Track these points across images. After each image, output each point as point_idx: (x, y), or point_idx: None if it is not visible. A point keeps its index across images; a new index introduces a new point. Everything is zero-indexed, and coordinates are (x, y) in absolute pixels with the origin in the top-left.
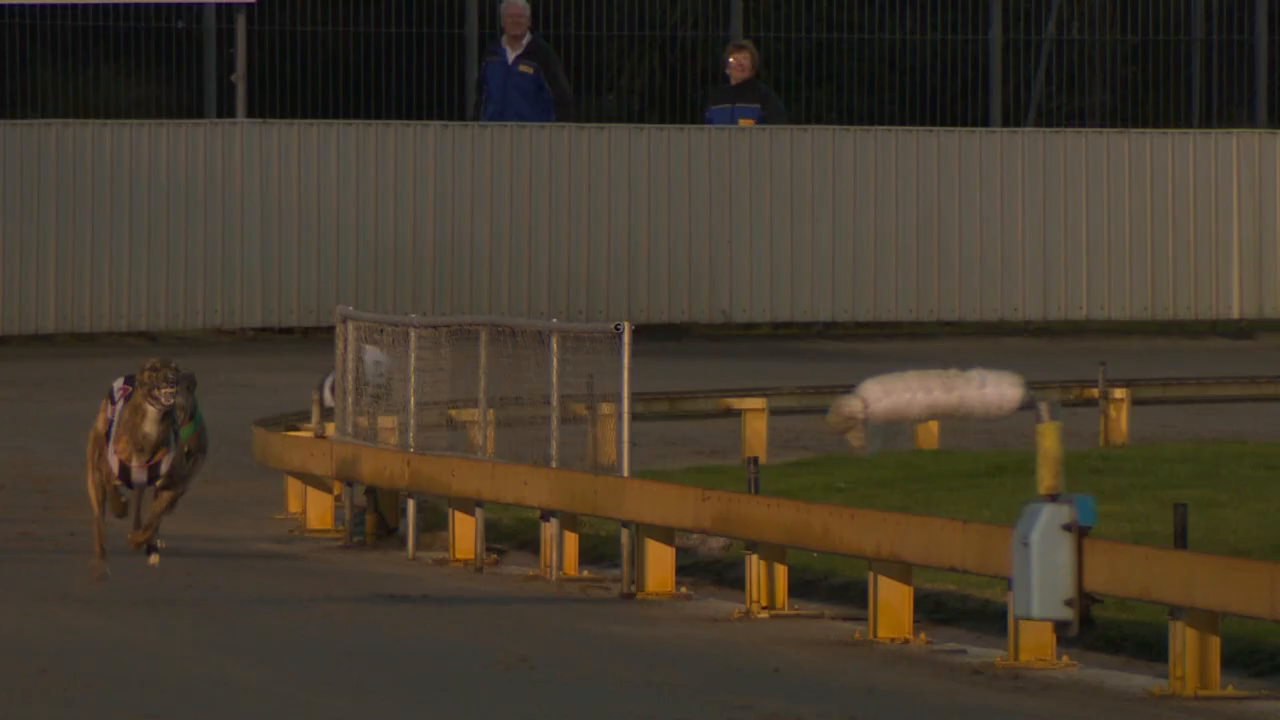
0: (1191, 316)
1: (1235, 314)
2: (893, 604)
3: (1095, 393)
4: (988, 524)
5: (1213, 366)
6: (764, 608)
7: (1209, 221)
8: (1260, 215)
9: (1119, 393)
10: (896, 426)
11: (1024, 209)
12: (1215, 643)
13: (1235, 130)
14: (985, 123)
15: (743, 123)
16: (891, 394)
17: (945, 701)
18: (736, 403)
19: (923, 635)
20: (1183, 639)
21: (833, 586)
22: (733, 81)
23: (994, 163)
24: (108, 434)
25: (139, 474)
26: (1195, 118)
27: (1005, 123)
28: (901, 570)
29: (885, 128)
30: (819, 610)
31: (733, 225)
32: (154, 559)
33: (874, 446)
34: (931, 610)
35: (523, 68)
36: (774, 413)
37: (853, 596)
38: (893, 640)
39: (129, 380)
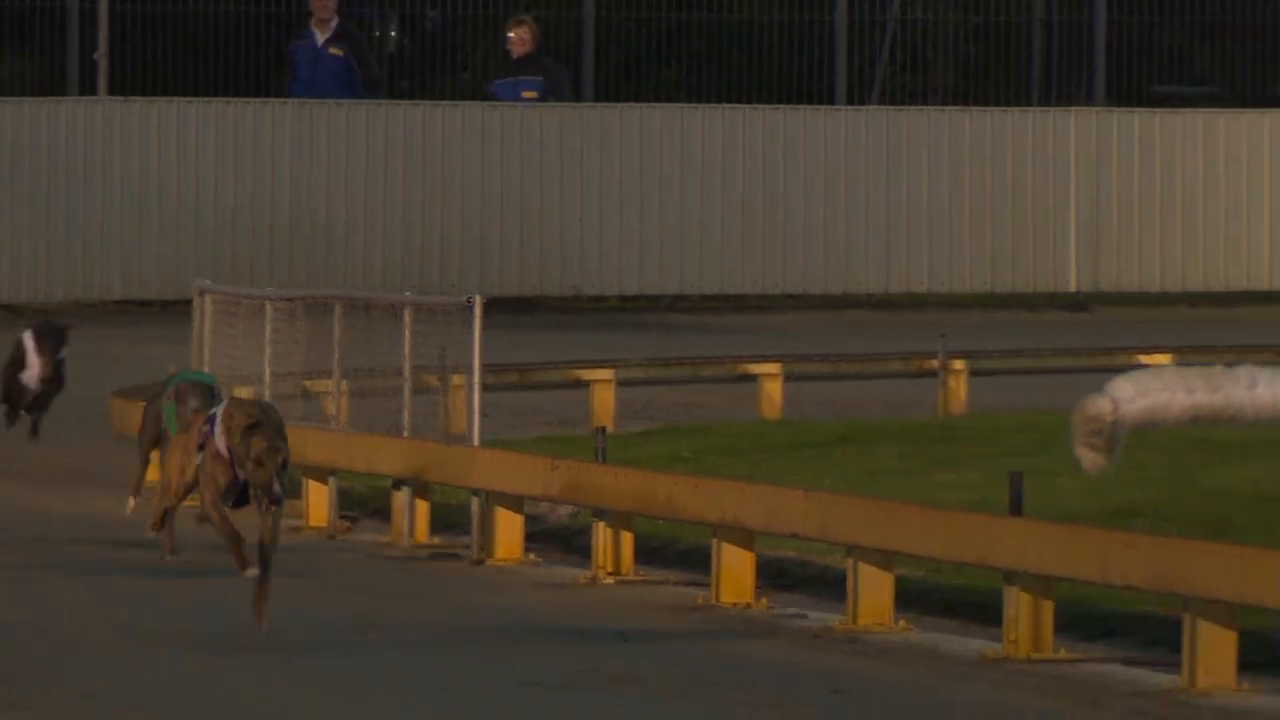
0: (1030, 290)
1: (1072, 287)
2: (735, 570)
3: (935, 364)
4: (829, 493)
5: (1050, 338)
6: (610, 574)
7: (1047, 197)
8: (1097, 191)
9: (958, 364)
10: (1150, 430)
11: (868, 185)
12: (1048, 607)
13: (1073, 109)
14: (831, 101)
15: (526, 95)
16: (1147, 394)
17: (784, 664)
18: (585, 374)
19: (764, 600)
20: (1017, 603)
21: (677, 553)
22: (514, 56)
23: (839, 140)
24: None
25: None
26: (1035, 96)
27: (850, 101)
28: (744, 537)
29: (733, 106)
30: (664, 576)
31: (583, 200)
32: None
33: (1114, 461)
34: (773, 576)
35: (332, 50)
36: (621, 384)
37: (697, 562)
38: (735, 605)
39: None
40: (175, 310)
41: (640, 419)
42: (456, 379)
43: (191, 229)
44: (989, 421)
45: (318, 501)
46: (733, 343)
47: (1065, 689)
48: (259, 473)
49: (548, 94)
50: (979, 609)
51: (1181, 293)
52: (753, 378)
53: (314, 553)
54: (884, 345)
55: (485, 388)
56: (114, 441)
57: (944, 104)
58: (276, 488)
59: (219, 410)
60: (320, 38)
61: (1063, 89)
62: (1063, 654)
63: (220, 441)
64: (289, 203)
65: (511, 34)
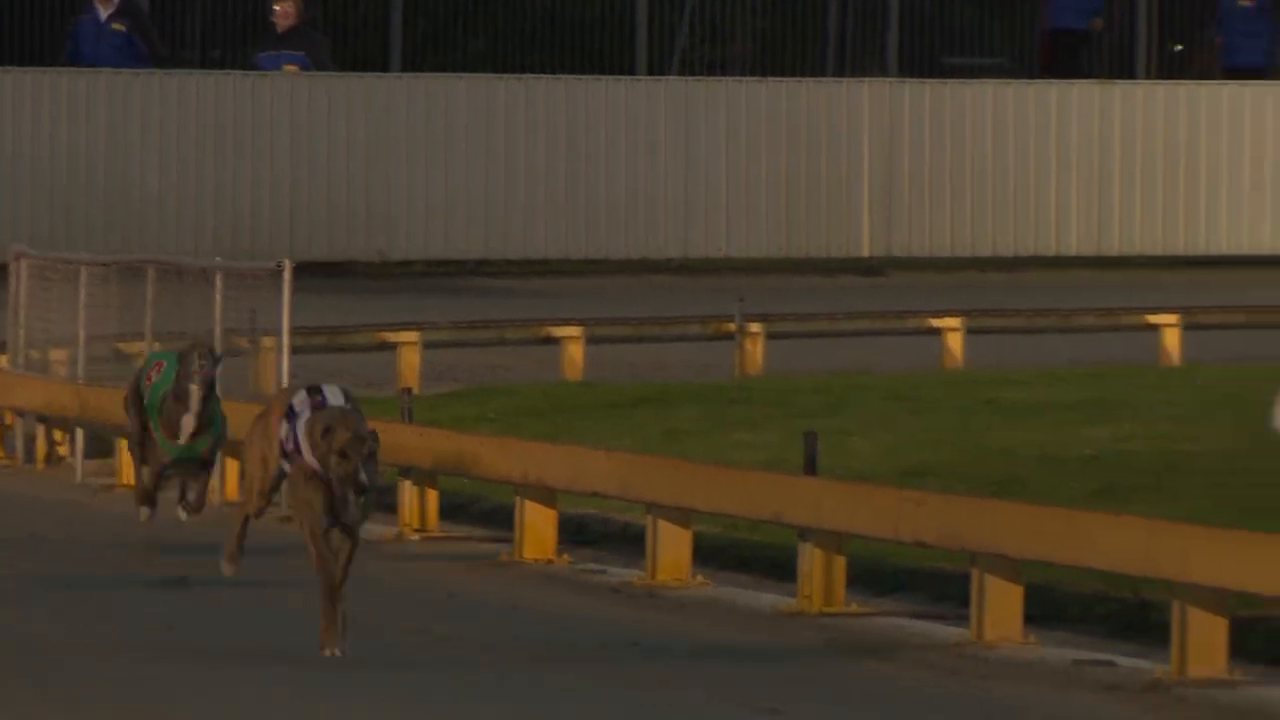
0: (824, 255)
1: (865, 252)
2: (538, 527)
3: (732, 327)
4: (630, 452)
5: (844, 302)
6: (416, 530)
7: (841, 165)
8: (889, 159)
9: (755, 327)
10: None
11: (667, 153)
12: (841, 563)
13: (867, 80)
14: (631, 71)
15: (288, 69)
16: None
17: (584, 618)
18: (391, 336)
19: (566, 556)
20: (810, 559)
21: (482, 511)
22: (279, 29)
23: (639, 109)
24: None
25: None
26: (830, 67)
27: (650, 72)
28: (547, 495)
29: (536, 76)
30: (468, 532)
31: (390, 167)
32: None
33: None
34: (574, 532)
35: (115, 25)
36: (428, 346)
37: (501, 520)
38: (537, 561)
39: (315, 395)
40: None
41: (446, 381)
42: (266, 342)
43: (6, 195)
44: (785, 383)
45: (127, 462)
46: (537, 306)
47: (857, 642)
48: (343, 465)
49: (310, 68)
50: (774, 565)
51: (971, 258)
52: (555, 340)
53: (127, 517)
54: (683, 309)
55: (294, 350)
56: None
57: (742, 75)
58: (363, 476)
59: (301, 419)
60: (103, 13)
61: (857, 61)
62: (854, 608)
63: (308, 454)
64: (103, 170)
65: (277, 7)
